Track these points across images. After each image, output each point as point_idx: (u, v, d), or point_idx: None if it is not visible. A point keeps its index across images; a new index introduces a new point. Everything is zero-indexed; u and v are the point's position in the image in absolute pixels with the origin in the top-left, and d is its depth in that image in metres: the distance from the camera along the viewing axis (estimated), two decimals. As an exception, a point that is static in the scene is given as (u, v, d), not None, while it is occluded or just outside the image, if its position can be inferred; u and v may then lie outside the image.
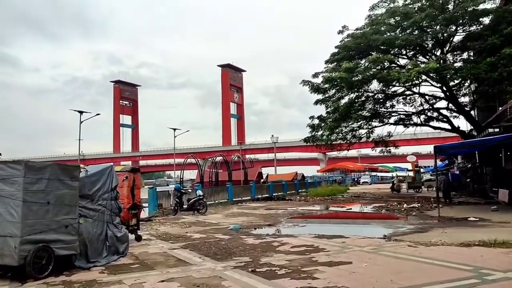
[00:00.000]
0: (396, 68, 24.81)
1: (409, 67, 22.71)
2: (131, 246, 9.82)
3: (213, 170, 43.19)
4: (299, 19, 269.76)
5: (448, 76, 23.30)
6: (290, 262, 7.56)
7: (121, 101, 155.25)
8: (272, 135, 53.84)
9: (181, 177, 53.25)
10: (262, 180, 48.78)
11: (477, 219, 13.85)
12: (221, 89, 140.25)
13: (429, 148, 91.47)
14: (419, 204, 20.43)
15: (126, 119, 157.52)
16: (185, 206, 18.93)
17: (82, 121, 32.46)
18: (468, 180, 30.62)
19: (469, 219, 14.00)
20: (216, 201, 24.39)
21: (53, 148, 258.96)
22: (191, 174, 70.59)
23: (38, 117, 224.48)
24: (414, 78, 24.45)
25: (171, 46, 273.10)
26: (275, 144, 56.53)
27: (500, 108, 18.67)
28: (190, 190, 20.57)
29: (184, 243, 10.32)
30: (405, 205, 20.12)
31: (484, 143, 16.91)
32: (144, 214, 16.83)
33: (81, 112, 32.33)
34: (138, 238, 10.71)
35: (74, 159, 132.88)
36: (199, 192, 19.19)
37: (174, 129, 51.26)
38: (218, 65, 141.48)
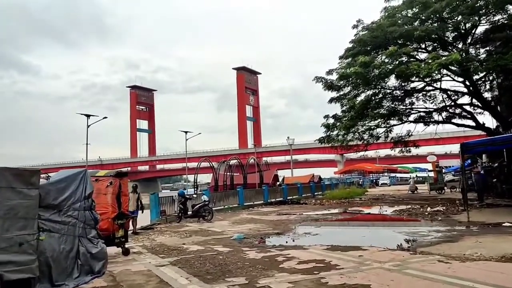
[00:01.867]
0: (415, 62, 23.11)
1: (430, 60, 21.06)
2: (115, 262, 8.58)
3: (228, 173, 42.20)
4: (314, 21, 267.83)
5: (472, 69, 21.57)
6: (294, 285, 6.17)
7: (137, 106, 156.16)
8: (288, 137, 52.45)
9: (195, 181, 52.32)
10: (278, 183, 47.40)
11: (513, 224, 12.23)
12: (237, 92, 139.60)
13: (449, 148, 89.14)
14: (444, 207, 18.78)
15: (143, 124, 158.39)
16: (189, 213, 17.66)
17: (90, 125, 31.57)
18: (495, 180, 28.70)
19: (503, 224, 12.38)
20: (226, 206, 23.10)
21: (73, 154, 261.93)
22: (208, 178, 69.74)
23: (58, 123, 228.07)
24: (436, 72, 22.86)
25: (187, 50, 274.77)
26: (291, 146, 55.32)
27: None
28: (195, 196, 19.28)
29: (176, 257, 9.01)
30: (428, 209, 18.49)
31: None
32: (141, 222, 15.67)
33: (88, 116, 31.47)
34: (126, 252, 9.44)
35: (92, 164, 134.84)
36: (204, 198, 17.90)
37: (186, 132, 50.30)
38: (233, 68, 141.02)
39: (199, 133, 53.55)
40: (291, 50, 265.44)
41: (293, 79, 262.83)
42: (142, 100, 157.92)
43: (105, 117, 32.44)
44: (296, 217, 18.07)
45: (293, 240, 11.33)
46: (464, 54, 22.33)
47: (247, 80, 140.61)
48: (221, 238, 11.91)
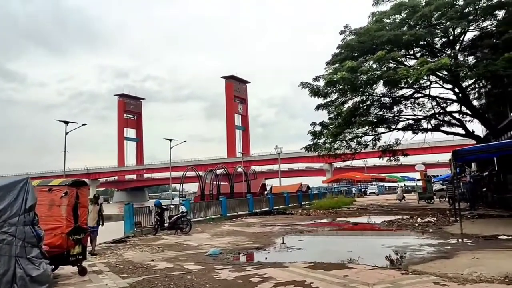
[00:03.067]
0: (404, 67, 22.40)
1: (419, 65, 20.35)
2: (67, 284, 7.56)
3: (215, 182, 41.25)
4: (303, 30, 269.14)
5: (462, 74, 20.95)
6: (265, 316, 5.19)
7: (125, 115, 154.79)
8: (276, 146, 51.43)
9: (181, 190, 51.36)
10: (266, 192, 46.50)
11: (510, 237, 11.39)
12: (225, 100, 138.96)
13: (436, 157, 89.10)
14: (435, 218, 17.94)
15: (130, 132, 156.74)
16: (166, 224, 16.57)
17: (68, 132, 30.33)
18: (484, 189, 28.06)
19: (500, 237, 11.54)
20: (208, 217, 22.00)
21: (61, 163, 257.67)
22: (196, 187, 68.58)
23: (46, 132, 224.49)
24: (425, 77, 22.22)
25: (176, 59, 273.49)
26: (279, 155, 54.44)
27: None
28: (172, 206, 18.18)
29: (138, 278, 7.96)
30: (418, 219, 17.64)
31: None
32: (114, 234, 14.58)
33: (66, 123, 30.28)
34: (82, 272, 8.36)
35: (79, 173, 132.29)
36: (182, 208, 16.82)
37: (170, 140, 49.03)
38: (222, 77, 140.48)
39: (184, 141, 52.35)
40: (281, 59, 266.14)
41: (283, 88, 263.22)
42: (130, 109, 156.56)
43: (84, 124, 31.25)
44: (280, 228, 17.08)
45: (274, 256, 10.34)
46: (453, 60, 21.73)
47: (235, 89, 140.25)
48: (195, 254, 10.87)
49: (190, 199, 33.02)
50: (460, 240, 11.84)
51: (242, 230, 16.84)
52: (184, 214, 16.38)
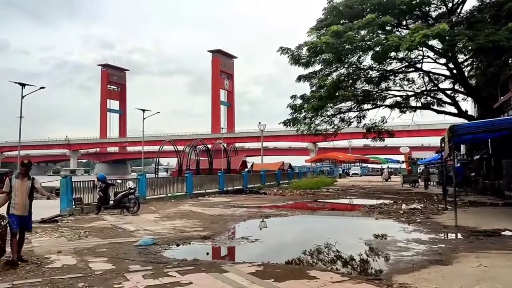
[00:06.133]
0: (396, 35, 19.93)
1: (413, 31, 17.89)
2: None
3: (193, 157, 39.16)
4: (292, 5, 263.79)
5: (460, 44, 18.60)
6: None
7: (109, 86, 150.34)
8: (260, 123, 48.94)
9: (157, 164, 49.08)
10: (246, 169, 44.49)
11: (516, 232, 9.26)
12: (211, 75, 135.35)
13: (421, 140, 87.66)
14: (422, 205, 15.83)
15: (114, 104, 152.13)
16: (112, 202, 14.14)
17: (24, 96, 27.41)
18: (473, 174, 26.17)
19: (503, 233, 9.38)
20: (169, 194, 19.63)
21: (42, 133, 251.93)
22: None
23: (27, 101, 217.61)
24: (418, 48, 19.88)
25: (163, 31, 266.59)
26: (262, 132, 52.13)
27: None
28: (119, 181, 15.65)
29: (7, 285, 5.55)
30: (403, 206, 15.49)
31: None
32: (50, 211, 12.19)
33: (23, 85, 27.28)
34: None
35: (60, 143, 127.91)
36: (130, 184, 14.34)
37: (143, 110, 46.13)
38: (208, 51, 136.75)
39: (158, 112, 49.68)
40: (269, 37, 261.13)
41: (270, 66, 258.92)
42: (114, 80, 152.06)
43: (42, 87, 28.11)
44: (244, 211, 14.78)
45: (219, 251, 8.04)
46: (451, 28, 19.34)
47: (222, 64, 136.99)
48: (121, 244, 8.48)
49: (170, 173, 30.80)
50: (455, 235, 9.70)
51: (200, 212, 14.49)
52: (132, 191, 13.93)
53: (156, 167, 45.62)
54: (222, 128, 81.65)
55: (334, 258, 7.42)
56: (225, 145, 52.23)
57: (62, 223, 11.74)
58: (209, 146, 42.82)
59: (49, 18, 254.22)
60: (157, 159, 51.49)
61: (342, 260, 7.24)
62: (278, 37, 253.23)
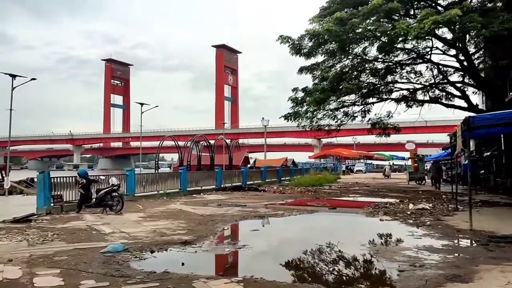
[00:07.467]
0: (403, 21, 18.64)
1: (422, 17, 16.62)
2: None
3: (195, 153, 38.19)
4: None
5: (473, 33, 17.34)
6: None
7: (112, 81, 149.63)
8: (263, 118, 47.89)
9: (156, 159, 47.97)
10: (249, 165, 43.46)
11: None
12: (215, 70, 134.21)
13: (427, 137, 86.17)
14: (430, 205, 14.63)
15: (117, 99, 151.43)
16: (94, 200, 13.04)
17: (15, 87, 26.31)
18: (482, 171, 24.92)
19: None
20: (161, 191, 18.53)
21: (46, 128, 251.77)
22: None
23: (30, 96, 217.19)
24: (426, 39, 18.69)
25: (167, 26, 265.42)
26: (265, 128, 51.22)
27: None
28: (102, 178, 14.52)
29: None
30: (411, 206, 14.30)
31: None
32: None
33: (13, 76, 26.12)
34: None
35: (63, 138, 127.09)
36: (113, 181, 13.19)
37: (142, 104, 44.98)
38: (212, 46, 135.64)
39: (156, 106, 48.58)
40: (274, 31, 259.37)
41: (276, 62, 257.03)
42: (117, 75, 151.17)
43: (34, 79, 26.98)
44: (238, 210, 13.65)
45: (197, 260, 6.92)
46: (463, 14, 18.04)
47: (226, 59, 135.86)
48: (88, 249, 7.37)
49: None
50: (471, 241, 8.53)
51: (190, 211, 13.36)
52: (115, 188, 12.82)
53: (156, 162, 44.61)
54: (225, 123, 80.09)
55: (330, 272, 6.28)
56: (228, 141, 51.21)
57: (35, 223, 10.66)
58: (212, 141, 41.82)
59: (53, 13, 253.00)
60: (157, 154, 50.51)
61: (339, 275, 6.09)
62: (284, 32, 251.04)
